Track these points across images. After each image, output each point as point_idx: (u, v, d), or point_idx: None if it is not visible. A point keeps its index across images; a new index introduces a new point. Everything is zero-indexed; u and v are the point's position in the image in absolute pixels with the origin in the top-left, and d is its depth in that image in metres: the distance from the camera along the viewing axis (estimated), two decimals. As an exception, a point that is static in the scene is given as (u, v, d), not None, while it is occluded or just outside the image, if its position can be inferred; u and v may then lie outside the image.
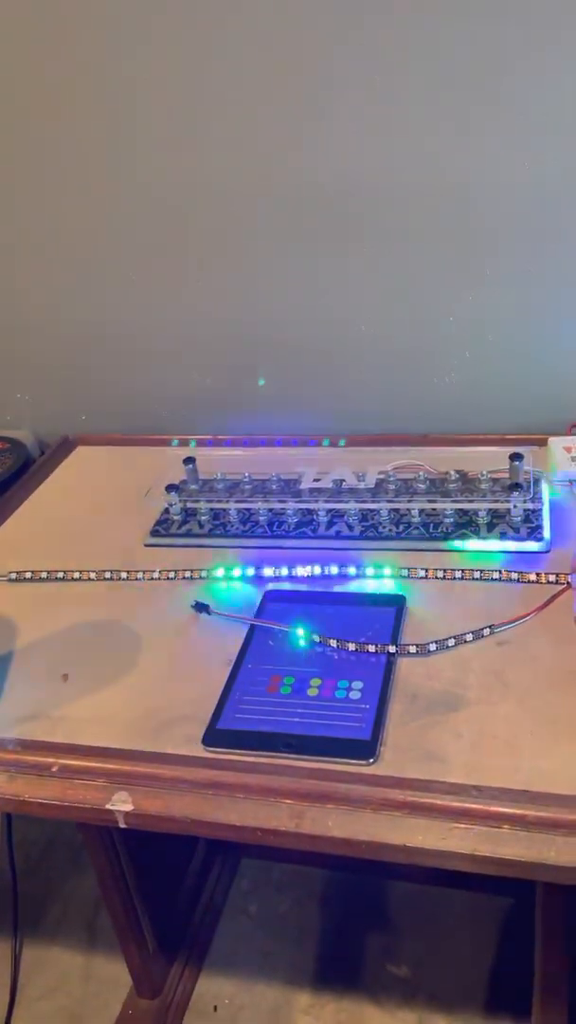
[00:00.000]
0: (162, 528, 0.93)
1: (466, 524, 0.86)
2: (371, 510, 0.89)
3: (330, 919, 1.27)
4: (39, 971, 1.26)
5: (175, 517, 0.93)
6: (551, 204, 0.90)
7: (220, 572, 0.84)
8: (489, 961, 1.17)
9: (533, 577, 0.78)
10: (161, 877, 1.20)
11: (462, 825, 0.58)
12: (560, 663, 0.69)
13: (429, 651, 0.71)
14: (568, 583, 0.76)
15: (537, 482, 0.87)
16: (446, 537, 0.85)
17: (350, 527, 0.88)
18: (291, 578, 0.83)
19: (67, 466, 1.12)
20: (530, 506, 0.85)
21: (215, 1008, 1.18)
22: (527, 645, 0.71)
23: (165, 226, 1.04)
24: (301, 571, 0.83)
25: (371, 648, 0.72)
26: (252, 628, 0.77)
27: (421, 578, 0.80)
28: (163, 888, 1.22)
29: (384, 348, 1.04)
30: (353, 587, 0.81)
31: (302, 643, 0.74)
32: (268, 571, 0.83)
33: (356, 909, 1.28)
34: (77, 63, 0.96)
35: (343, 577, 0.82)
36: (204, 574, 0.85)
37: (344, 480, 0.92)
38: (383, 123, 0.90)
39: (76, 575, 0.88)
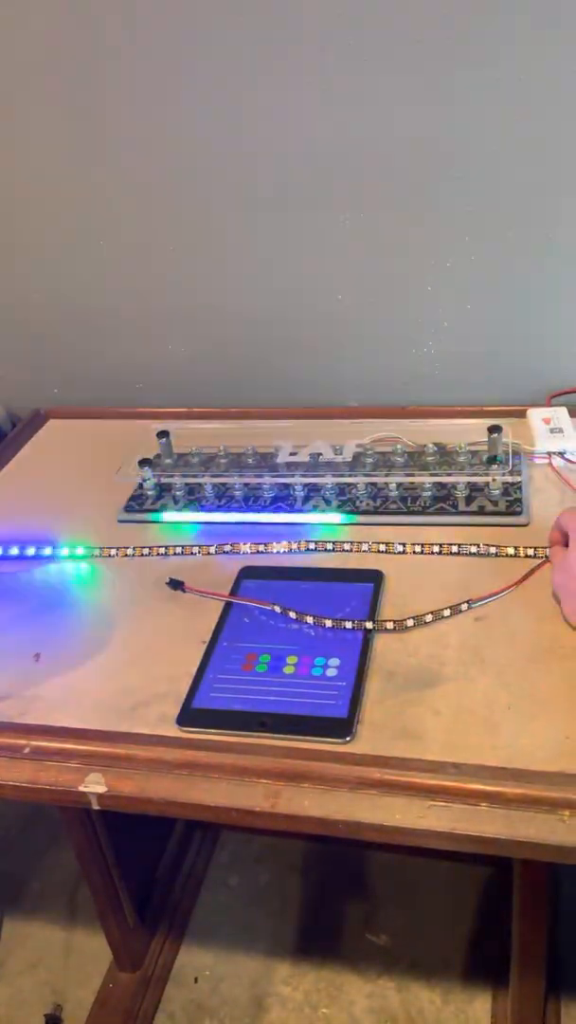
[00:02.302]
0: (136, 503, 0.91)
1: (444, 498, 0.85)
2: (348, 484, 0.87)
3: (310, 890, 1.28)
4: (19, 946, 1.26)
5: (149, 492, 0.92)
6: (531, 172, 0.88)
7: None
8: (468, 930, 1.18)
9: (511, 551, 0.77)
10: (140, 851, 1.20)
11: (440, 803, 0.57)
12: (538, 638, 0.68)
13: (407, 627, 0.70)
14: (546, 557, 0.75)
15: (516, 455, 0.86)
16: (424, 511, 0.84)
17: (327, 501, 0.87)
18: (267, 553, 0.81)
19: (39, 440, 1.10)
20: (509, 479, 0.84)
21: (196, 979, 1.19)
22: (505, 620, 0.70)
23: (137, 198, 1.01)
24: (277, 546, 0.82)
25: (348, 624, 0.71)
26: (227, 605, 0.76)
27: (399, 553, 0.79)
28: (142, 862, 1.22)
29: (361, 318, 1.02)
30: (330, 562, 0.80)
31: (278, 620, 0.73)
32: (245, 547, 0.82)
33: (336, 880, 1.29)
34: (52, 37, 0.92)
35: (320, 552, 0.81)
36: (179, 550, 0.83)
37: (321, 454, 0.91)
38: (359, 91, 0.88)
39: (48, 552, 0.86)
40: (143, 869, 1.21)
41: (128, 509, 0.90)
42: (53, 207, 1.04)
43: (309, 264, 1.00)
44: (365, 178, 0.93)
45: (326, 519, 0.85)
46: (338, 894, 1.26)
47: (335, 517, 0.85)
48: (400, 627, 0.70)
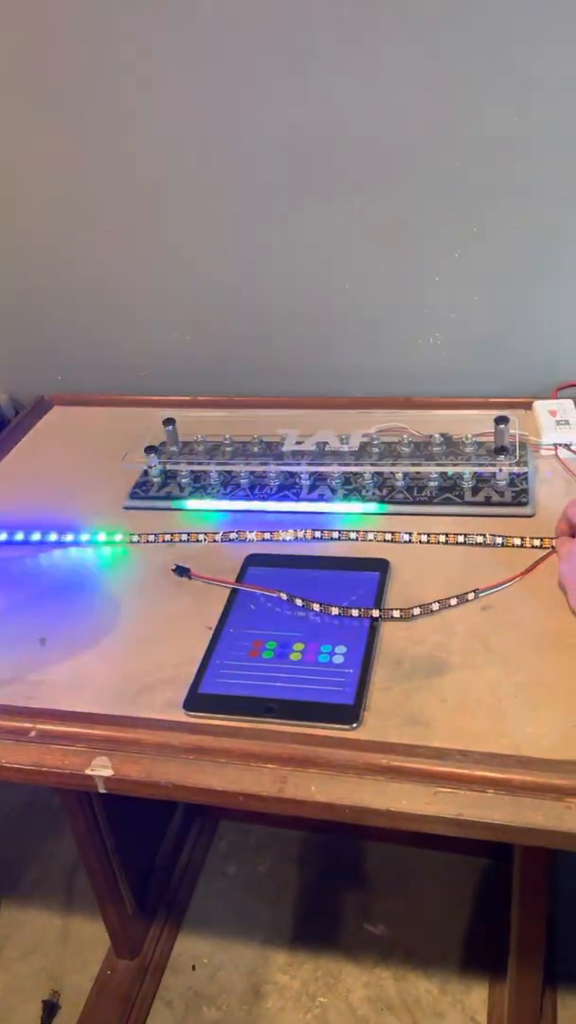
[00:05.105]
0: (141, 490, 0.91)
1: (450, 488, 0.85)
2: (354, 473, 0.88)
3: (308, 879, 1.28)
4: (17, 932, 1.26)
5: (155, 479, 0.92)
6: (540, 161, 0.88)
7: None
8: (465, 920, 1.19)
9: (518, 541, 0.77)
10: (139, 838, 1.21)
11: (446, 789, 0.57)
12: (544, 627, 0.68)
13: (413, 615, 0.71)
14: (552, 547, 0.75)
15: (523, 446, 0.86)
16: (430, 501, 0.84)
17: (333, 490, 0.87)
18: (273, 541, 0.81)
19: (43, 427, 1.09)
20: (515, 470, 0.84)
21: (193, 967, 1.19)
22: (511, 609, 0.70)
23: (143, 182, 1.00)
24: (283, 534, 0.82)
25: (354, 613, 0.71)
26: (233, 592, 0.76)
27: (405, 542, 0.79)
28: (141, 849, 1.22)
29: (368, 308, 1.01)
30: (336, 551, 0.80)
31: (284, 607, 0.73)
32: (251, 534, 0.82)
33: (333, 869, 1.29)
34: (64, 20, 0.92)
35: (326, 541, 0.81)
36: (184, 537, 0.83)
37: (327, 443, 0.91)
38: (372, 76, 0.87)
39: (53, 538, 0.86)
40: (142, 856, 1.22)
41: (134, 496, 0.90)
42: (58, 193, 1.04)
43: (315, 253, 1.00)
44: (372, 167, 0.92)
45: (332, 508, 0.85)
46: (336, 884, 1.27)
47: (341, 506, 0.85)
48: (406, 615, 0.70)
